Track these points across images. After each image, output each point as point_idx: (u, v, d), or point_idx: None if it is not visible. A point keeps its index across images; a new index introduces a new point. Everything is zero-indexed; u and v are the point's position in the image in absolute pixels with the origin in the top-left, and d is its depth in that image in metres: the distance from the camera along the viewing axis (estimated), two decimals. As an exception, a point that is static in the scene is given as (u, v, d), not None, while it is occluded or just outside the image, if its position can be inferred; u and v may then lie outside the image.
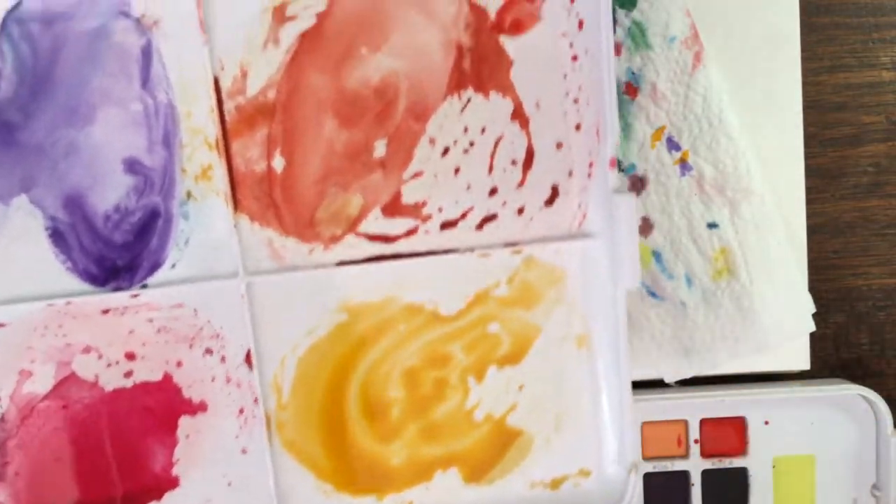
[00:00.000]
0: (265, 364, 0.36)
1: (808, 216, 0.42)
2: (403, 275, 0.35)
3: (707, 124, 0.40)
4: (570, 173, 0.35)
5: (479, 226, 0.35)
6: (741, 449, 0.42)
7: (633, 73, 0.40)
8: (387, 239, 0.35)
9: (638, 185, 0.41)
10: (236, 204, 0.35)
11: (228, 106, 0.35)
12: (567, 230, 0.35)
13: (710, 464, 0.42)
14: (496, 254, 0.35)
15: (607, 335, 0.35)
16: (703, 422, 0.42)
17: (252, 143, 0.35)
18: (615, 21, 0.40)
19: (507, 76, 0.35)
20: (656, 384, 0.42)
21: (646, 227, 0.41)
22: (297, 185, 0.35)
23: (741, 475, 0.42)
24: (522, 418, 0.36)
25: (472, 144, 0.35)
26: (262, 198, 0.35)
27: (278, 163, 0.35)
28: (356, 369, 0.36)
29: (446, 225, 0.35)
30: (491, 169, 0.35)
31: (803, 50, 0.42)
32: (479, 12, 0.34)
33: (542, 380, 0.36)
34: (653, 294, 0.41)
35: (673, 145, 0.41)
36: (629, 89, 0.40)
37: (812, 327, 0.42)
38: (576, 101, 0.35)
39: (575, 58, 0.34)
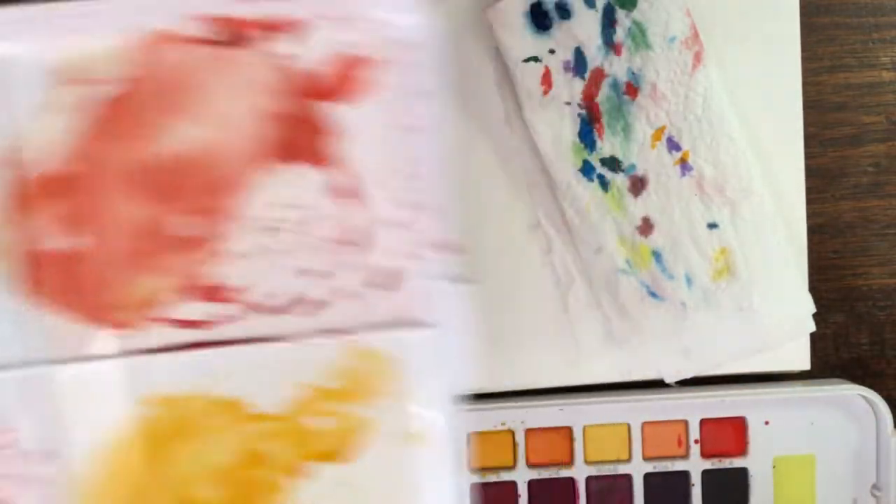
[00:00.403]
0: (65, 460, 0.32)
1: (808, 216, 0.42)
2: (216, 365, 0.32)
3: (707, 124, 0.40)
4: (410, 256, 0.32)
5: (307, 312, 0.32)
6: (741, 449, 0.42)
7: (633, 74, 0.40)
8: (198, 325, 0.32)
9: (638, 185, 0.41)
10: (25, 287, 0.31)
11: (8, 177, 0.31)
12: (405, 318, 0.32)
13: (710, 464, 0.42)
14: (327, 342, 0.32)
15: (446, 430, 0.33)
16: (703, 422, 0.42)
17: (42, 220, 0.31)
18: (615, 21, 0.40)
19: (339, 148, 0.32)
20: (656, 384, 0.42)
21: (646, 227, 0.41)
22: (92, 266, 0.32)
23: (741, 475, 0.42)
24: None
25: (300, 223, 0.32)
26: (52, 280, 0.31)
27: (72, 242, 0.31)
28: (166, 466, 0.33)
29: (269, 310, 0.32)
30: (321, 250, 0.32)
31: (803, 50, 0.42)
32: (307, 80, 0.31)
33: (378, 478, 0.32)
34: (653, 294, 0.41)
35: (673, 145, 0.41)
36: (629, 89, 0.40)
37: (812, 327, 0.42)
38: (414, 177, 0.32)
39: (411, 130, 0.31)
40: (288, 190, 0.31)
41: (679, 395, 0.42)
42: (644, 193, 0.41)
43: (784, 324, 0.41)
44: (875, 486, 0.42)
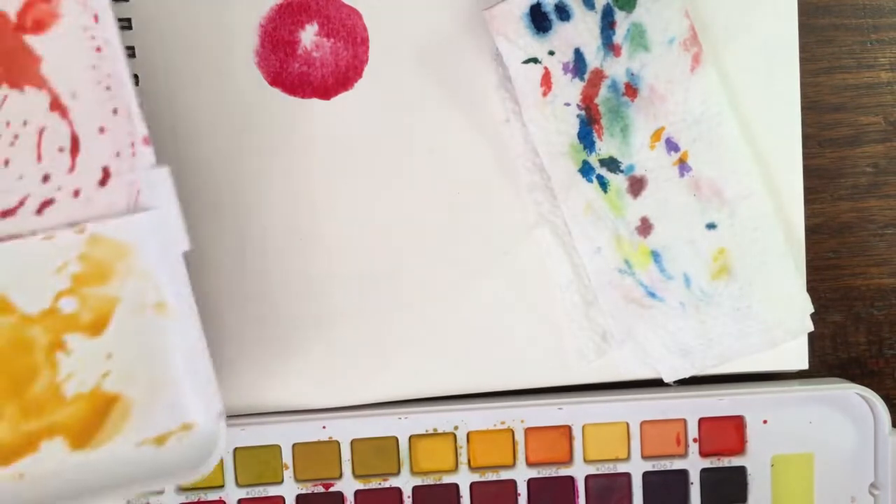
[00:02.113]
0: None
1: (807, 216, 0.43)
2: None
3: (706, 125, 0.41)
4: (118, 154, 0.37)
5: (38, 211, 0.37)
6: (740, 448, 0.42)
7: (632, 75, 0.40)
8: None
9: (637, 185, 0.41)
10: None
11: None
12: (124, 207, 0.37)
13: (708, 462, 0.42)
14: (60, 235, 0.37)
15: (180, 299, 0.37)
16: (701, 421, 0.42)
17: None
18: (614, 22, 0.40)
19: (37, 72, 0.37)
20: (655, 383, 0.42)
21: (645, 227, 0.41)
22: None
23: (740, 474, 0.43)
24: (117, 384, 0.38)
25: (16, 137, 0.37)
26: None
27: None
28: None
29: (4, 214, 0.37)
30: (40, 158, 0.37)
31: (801, 51, 0.42)
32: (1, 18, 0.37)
33: (129, 347, 0.38)
34: (652, 294, 0.42)
35: (672, 146, 0.41)
36: (628, 90, 0.40)
37: (811, 327, 0.42)
38: (108, 88, 0.37)
39: (99, 49, 0.37)
40: (1, 109, 0.37)
41: (677, 395, 0.42)
42: (643, 194, 0.41)
43: (782, 324, 0.41)
44: (873, 485, 0.42)
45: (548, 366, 0.43)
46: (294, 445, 0.42)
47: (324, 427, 0.42)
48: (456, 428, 0.42)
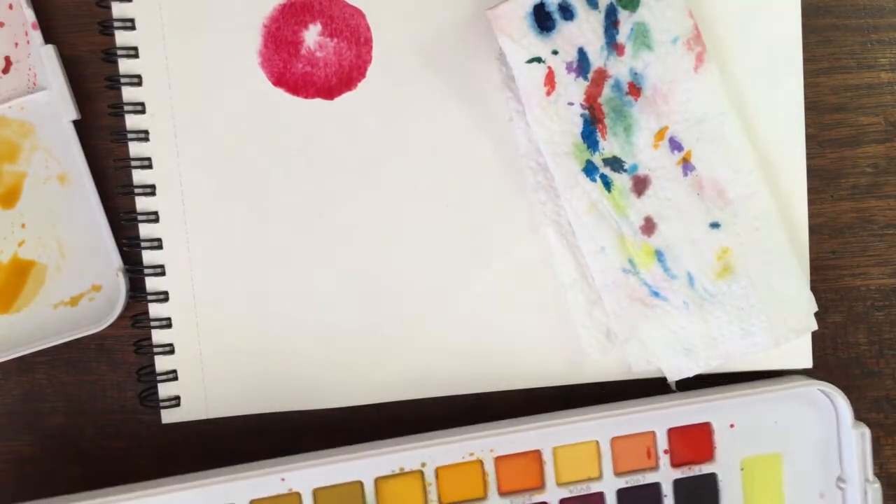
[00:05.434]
0: None
1: (807, 216, 0.43)
2: None
3: (709, 125, 0.41)
4: (16, 45, 0.42)
5: None
6: (709, 455, 0.42)
7: (635, 74, 0.40)
8: None
9: (640, 185, 0.41)
10: None
11: None
12: (24, 89, 0.42)
13: (680, 473, 0.42)
14: None
15: (75, 167, 0.42)
16: (670, 431, 0.42)
17: None
18: (618, 22, 0.40)
19: None
20: (625, 395, 0.42)
21: (649, 226, 0.41)
22: None
23: (711, 481, 0.42)
24: (31, 251, 0.43)
25: None
26: None
27: None
28: None
29: None
30: None
31: (802, 51, 0.42)
32: None
33: (39, 216, 0.43)
34: (656, 293, 0.42)
35: (675, 145, 0.41)
36: (632, 89, 0.40)
37: (815, 326, 0.42)
38: None
39: None
40: None
41: (645, 407, 0.41)
42: (646, 193, 0.41)
43: (786, 322, 0.42)
44: (840, 479, 0.42)
45: (550, 366, 0.43)
46: (251, 502, 0.40)
47: (283, 479, 0.40)
48: (423, 465, 0.41)
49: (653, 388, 0.43)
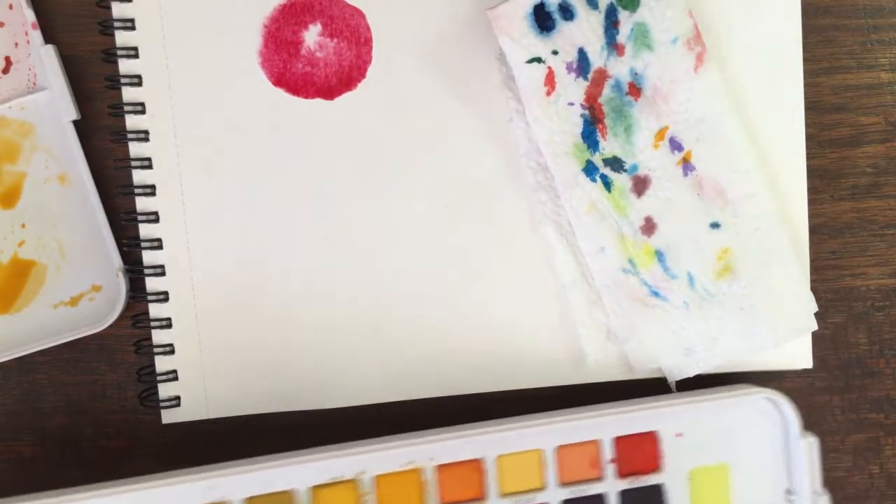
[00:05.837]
0: None
1: (807, 216, 0.43)
2: None
3: (709, 125, 0.41)
4: (16, 45, 0.42)
5: None
6: (655, 465, 0.41)
7: (635, 74, 0.40)
8: None
9: (640, 185, 0.41)
10: None
11: None
12: (25, 89, 0.43)
13: (626, 483, 0.41)
14: None
15: (75, 167, 0.42)
16: (616, 440, 0.41)
17: None
18: (618, 22, 0.40)
19: None
20: (568, 404, 0.42)
21: (649, 226, 0.41)
22: None
23: (657, 492, 0.41)
24: (31, 251, 0.43)
25: None
26: None
27: None
28: None
29: None
30: None
31: (802, 51, 0.42)
32: None
33: (39, 216, 0.43)
34: (656, 293, 0.42)
35: (675, 146, 0.41)
36: (632, 89, 0.40)
37: (815, 326, 0.42)
38: None
39: None
40: None
41: (590, 414, 0.40)
42: (647, 193, 0.41)
43: (786, 322, 0.42)
44: (788, 491, 0.41)
45: (550, 366, 0.43)
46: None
47: (210, 487, 0.39)
48: (361, 473, 0.40)
49: (653, 388, 0.43)
